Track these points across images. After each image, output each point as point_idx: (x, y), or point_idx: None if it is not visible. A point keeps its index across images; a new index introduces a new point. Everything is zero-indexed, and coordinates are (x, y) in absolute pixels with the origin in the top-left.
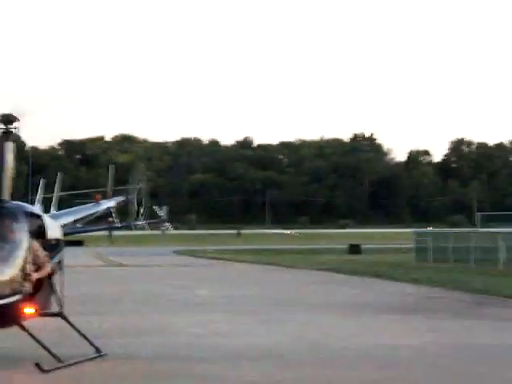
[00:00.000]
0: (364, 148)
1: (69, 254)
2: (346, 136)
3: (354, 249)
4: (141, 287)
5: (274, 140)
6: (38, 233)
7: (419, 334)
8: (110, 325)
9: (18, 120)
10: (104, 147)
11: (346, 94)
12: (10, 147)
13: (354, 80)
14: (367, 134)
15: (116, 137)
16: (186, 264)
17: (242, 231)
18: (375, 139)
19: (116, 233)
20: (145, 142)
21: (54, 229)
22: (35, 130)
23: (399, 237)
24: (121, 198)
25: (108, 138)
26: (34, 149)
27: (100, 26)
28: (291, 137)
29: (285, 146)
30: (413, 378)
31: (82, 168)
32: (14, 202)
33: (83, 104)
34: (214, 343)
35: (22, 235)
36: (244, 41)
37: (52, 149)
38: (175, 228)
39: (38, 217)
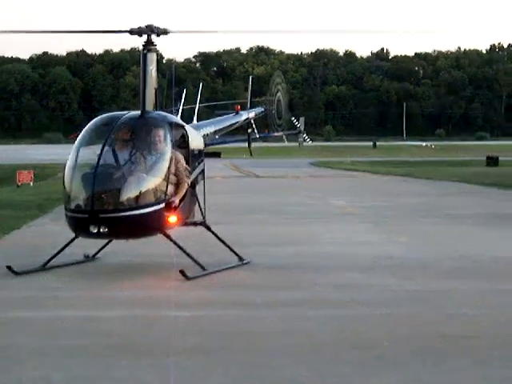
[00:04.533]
0: (502, 59)
1: (207, 165)
2: (483, 47)
3: (492, 161)
4: (278, 198)
5: (409, 51)
6: (181, 143)
7: None
8: (250, 234)
9: (162, 32)
10: (240, 59)
11: (483, 4)
12: (152, 58)
13: None
14: (505, 45)
15: (252, 49)
16: (322, 175)
17: (378, 143)
18: None
19: (254, 144)
20: (280, 53)
21: (196, 139)
22: (171, 42)
23: None
24: (260, 109)
25: (244, 50)
26: (171, 61)
27: None
28: (427, 48)
29: (421, 57)
30: None
31: (218, 80)
32: (157, 113)
33: (217, 16)
34: (353, 252)
35: (165, 145)
36: None
37: (188, 61)
38: (311, 140)
39: (182, 127)
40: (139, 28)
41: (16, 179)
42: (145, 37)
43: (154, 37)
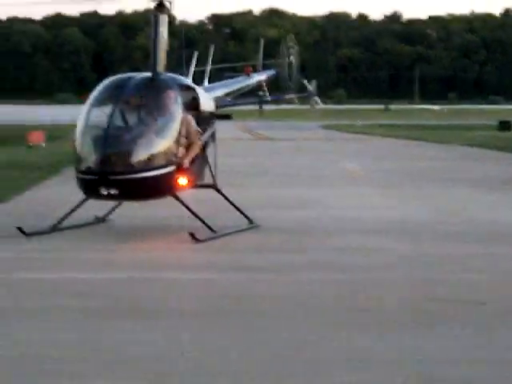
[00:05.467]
0: None
1: (218, 127)
2: (497, 11)
3: (504, 125)
4: (289, 160)
5: (422, 14)
6: (192, 105)
7: None
8: (262, 197)
9: None
10: (252, 21)
11: None
12: (163, 20)
13: None
14: None
15: (264, 11)
16: (333, 138)
17: (390, 106)
18: None
19: (265, 107)
20: (293, 16)
21: (207, 101)
22: (184, 3)
23: None
24: (272, 72)
25: (256, 12)
26: (183, 23)
27: None
28: (440, 11)
29: (434, 20)
30: None
31: (230, 42)
32: (168, 74)
33: None
34: (361, 216)
35: (176, 107)
36: None
37: (201, 23)
38: (323, 103)
39: (192, 89)
40: None
41: (27, 140)
42: None
43: None
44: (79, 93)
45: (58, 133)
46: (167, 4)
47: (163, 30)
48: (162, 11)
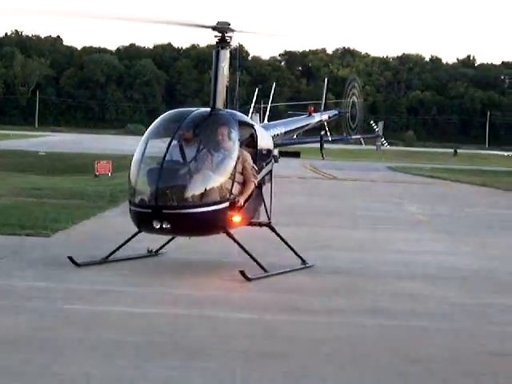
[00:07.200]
0: None
1: (284, 165)
2: None
3: None
4: (352, 202)
5: (496, 60)
6: (250, 142)
7: None
8: (317, 237)
9: (234, 30)
10: (325, 60)
11: None
12: (224, 56)
13: None
14: None
15: (337, 50)
16: (399, 180)
17: (459, 151)
18: None
19: (331, 146)
20: (366, 56)
21: (265, 139)
22: (257, 40)
23: None
24: (333, 112)
25: (329, 51)
26: (256, 59)
27: None
28: None
29: (507, 66)
30: None
31: (302, 80)
32: (226, 111)
33: (302, 15)
34: (419, 261)
35: (233, 144)
36: None
37: (273, 60)
38: (391, 144)
39: (250, 126)
40: (215, 24)
41: (94, 169)
42: (218, 34)
43: (229, 34)
44: (150, 124)
45: (126, 163)
46: (229, 39)
47: (224, 66)
48: (224, 46)
